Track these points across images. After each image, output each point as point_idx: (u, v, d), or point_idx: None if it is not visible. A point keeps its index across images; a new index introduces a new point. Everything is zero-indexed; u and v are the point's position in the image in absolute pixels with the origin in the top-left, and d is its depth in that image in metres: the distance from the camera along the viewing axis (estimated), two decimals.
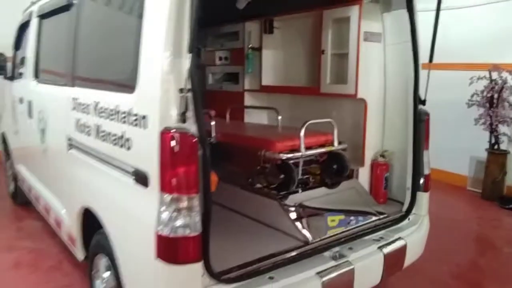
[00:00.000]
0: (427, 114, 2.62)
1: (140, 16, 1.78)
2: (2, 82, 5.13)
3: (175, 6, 1.59)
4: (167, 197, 1.63)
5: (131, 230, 1.86)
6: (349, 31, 2.69)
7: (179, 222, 1.62)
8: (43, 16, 3.22)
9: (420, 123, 2.58)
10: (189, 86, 1.59)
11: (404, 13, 2.60)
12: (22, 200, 4.55)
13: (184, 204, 1.62)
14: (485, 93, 5.09)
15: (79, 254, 2.63)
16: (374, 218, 2.52)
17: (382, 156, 2.83)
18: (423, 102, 2.62)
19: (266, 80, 3.41)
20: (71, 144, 2.48)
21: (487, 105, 5.09)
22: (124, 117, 1.85)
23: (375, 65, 2.76)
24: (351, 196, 2.65)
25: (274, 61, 3.45)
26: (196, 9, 1.52)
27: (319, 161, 2.72)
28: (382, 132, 2.87)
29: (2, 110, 4.81)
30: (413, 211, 2.65)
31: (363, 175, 2.85)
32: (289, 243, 2.18)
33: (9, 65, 4.32)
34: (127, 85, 1.84)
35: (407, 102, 2.65)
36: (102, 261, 2.32)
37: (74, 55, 2.44)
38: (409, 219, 2.64)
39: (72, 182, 2.52)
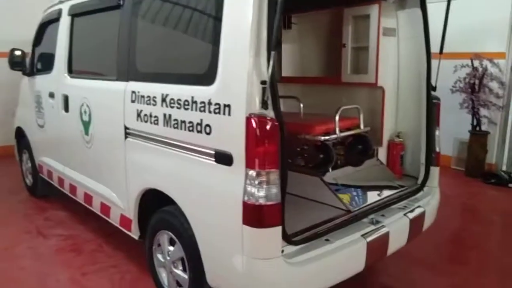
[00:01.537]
0: (438, 99, 3.02)
1: (218, 17, 2.06)
2: (16, 79, 5.26)
3: (257, 9, 1.90)
4: (253, 172, 1.94)
5: (212, 202, 2.15)
6: (369, 27, 3.05)
7: (263, 193, 1.94)
8: (79, 14, 3.41)
9: (433, 107, 2.97)
10: (269, 79, 1.91)
11: (416, 11, 2.99)
12: (42, 192, 4.73)
13: (267, 177, 1.94)
14: (467, 80, 5.60)
15: (135, 233, 2.90)
16: (397, 190, 2.91)
17: (398, 136, 3.22)
18: (434, 89, 3.01)
19: (286, 72, 3.74)
20: (129, 133, 2.73)
21: (469, 90, 5.61)
22: (203, 106, 2.14)
23: (390, 56, 3.13)
24: (375, 172, 3.04)
25: (292, 54, 3.79)
26: (280, 10, 1.81)
27: (344, 143, 3.08)
28: (396, 115, 3.26)
29: (16, 105, 4.94)
30: (427, 183, 3.05)
31: (381, 154, 3.24)
32: (334, 212, 2.54)
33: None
34: (205, 79, 2.13)
35: (420, 89, 3.04)
36: (164, 237, 2.61)
37: (132, 51, 2.68)
38: (423, 190, 3.04)
39: (130, 168, 2.77)
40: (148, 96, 2.51)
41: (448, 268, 3.26)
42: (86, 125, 3.22)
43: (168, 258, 2.60)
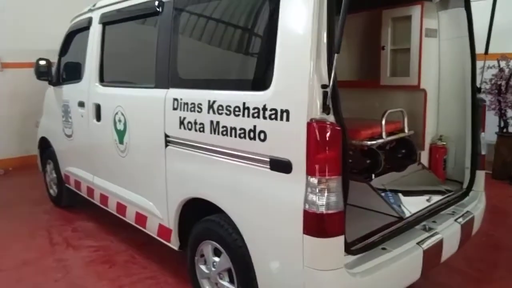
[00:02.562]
0: (484, 101, 2.93)
1: (273, 19, 2.00)
2: (36, 90, 5.24)
3: (317, 10, 1.83)
4: (314, 180, 1.86)
5: (267, 211, 2.07)
6: (411, 28, 2.98)
7: (325, 201, 1.86)
8: (111, 22, 3.36)
9: (479, 109, 2.89)
10: (330, 82, 1.83)
11: (459, 11, 2.92)
12: (67, 202, 4.68)
13: (329, 185, 1.86)
14: (493, 81, 5.51)
15: (175, 243, 2.82)
16: (445, 195, 2.82)
17: (440, 139, 3.13)
18: (479, 90, 2.93)
19: None
20: (170, 141, 2.66)
21: (496, 92, 5.51)
22: (256, 112, 2.06)
23: (432, 58, 3.05)
24: (420, 177, 2.95)
25: None
26: (345, 9, 1.74)
27: (385, 147, 3.00)
28: (437, 118, 3.17)
29: (40, 115, 4.90)
30: (473, 187, 2.96)
31: (423, 158, 3.15)
32: (386, 220, 2.45)
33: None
34: (258, 84, 2.07)
35: (463, 90, 2.95)
36: (208, 247, 2.53)
37: (173, 58, 2.62)
38: (469, 195, 2.95)
39: (171, 176, 2.70)
40: (193, 103, 2.44)
41: (492, 275, 3.16)
42: (121, 134, 3.16)
43: (213, 269, 2.52)
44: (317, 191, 1.86)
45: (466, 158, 2.98)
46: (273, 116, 1.99)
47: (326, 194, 1.86)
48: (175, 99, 2.58)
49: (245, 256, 2.25)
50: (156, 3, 2.76)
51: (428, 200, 2.70)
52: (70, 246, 3.81)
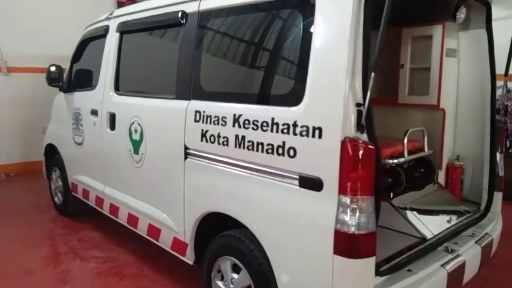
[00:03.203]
0: (502, 122, 2.93)
1: (306, 34, 2.00)
2: (45, 94, 5.20)
3: (354, 28, 1.82)
4: (347, 199, 1.83)
5: (294, 229, 2.04)
6: (431, 48, 2.99)
7: (357, 221, 1.83)
8: (130, 31, 3.34)
9: (498, 130, 2.89)
10: (366, 101, 1.82)
11: (479, 32, 2.94)
12: (72, 211, 4.61)
13: (362, 204, 1.83)
14: (499, 102, 5.54)
15: (191, 257, 2.77)
16: (464, 216, 2.80)
17: (457, 159, 3.12)
18: (498, 111, 2.93)
19: None
20: (190, 154, 2.63)
21: (502, 112, 5.54)
22: (286, 128, 2.04)
23: (451, 77, 3.06)
24: (439, 197, 2.93)
25: None
26: (383, 32, 1.74)
27: (403, 166, 2.98)
28: (454, 138, 3.17)
29: (48, 122, 4.86)
30: (490, 209, 2.95)
31: (440, 178, 3.13)
32: (409, 240, 2.43)
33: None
34: (288, 99, 2.05)
35: (482, 111, 2.96)
36: (227, 263, 2.49)
37: (196, 70, 2.60)
38: (486, 216, 2.94)
39: (189, 189, 2.67)
40: (216, 116, 2.42)
41: None
42: (136, 144, 3.12)
43: (231, 286, 2.47)
44: (349, 210, 1.84)
45: (483, 179, 2.98)
46: (304, 133, 1.97)
47: (358, 214, 1.84)
48: (197, 111, 2.55)
49: (266, 273, 2.21)
50: (180, 14, 2.75)
51: (448, 221, 2.68)
52: (77, 256, 3.73)
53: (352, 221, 1.83)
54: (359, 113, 1.84)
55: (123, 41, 3.44)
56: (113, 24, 3.56)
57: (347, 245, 1.84)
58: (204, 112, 2.51)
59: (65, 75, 4.30)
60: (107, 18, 3.68)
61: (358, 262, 1.85)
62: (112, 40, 3.53)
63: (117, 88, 3.46)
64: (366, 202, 1.84)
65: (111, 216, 3.67)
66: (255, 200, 2.23)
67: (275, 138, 2.10)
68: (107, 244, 4.00)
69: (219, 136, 2.41)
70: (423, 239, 2.44)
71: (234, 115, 2.31)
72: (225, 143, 2.38)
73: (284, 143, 2.06)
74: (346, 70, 1.82)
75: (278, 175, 2.10)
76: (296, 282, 2.07)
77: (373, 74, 1.78)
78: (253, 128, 2.21)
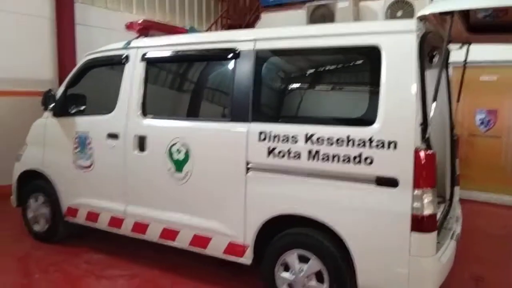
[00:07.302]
0: (457, 135, 4.02)
1: (376, 75, 2.72)
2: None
3: (416, 67, 2.61)
4: (419, 191, 2.59)
5: (372, 216, 2.71)
6: None
7: (427, 206, 2.59)
8: (158, 61, 3.71)
9: (456, 141, 3.96)
10: (425, 121, 2.61)
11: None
12: (61, 237, 4.51)
13: (429, 194, 2.60)
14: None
15: (249, 257, 3.22)
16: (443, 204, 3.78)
17: None
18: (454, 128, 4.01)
19: None
20: (253, 168, 3.12)
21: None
22: (362, 143, 2.72)
23: None
24: None
25: None
26: (441, 69, 2.55)
27: None
28: None
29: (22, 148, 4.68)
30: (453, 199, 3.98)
31: None
32: None
33: None
34: (362, 121, 2.74)
35: (443, 128, 4.00)
36: (293, 256, 3.03)
37: (256, 98, 3.14)
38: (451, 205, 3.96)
39: (252, 198, 3.14)
40: (285, 135, 2.97)
41: None
42: (179, 163, 3.45)
43: (300, 274, 3.01)
44: (421, 199, 2.59)
45: (446, 177, 4.01)
46: (380, 146, 2.67)
47: (426, 201, 2.60)
48: (261, 132, 3.07)
49: (336, 258, 2.85)
50: (231, 55, 3.26)
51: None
52: (100, 277, 3.78)
53: (423, 207, 2.58)
54: (422, 130, 2.63)
55: (149, 70, 3.74)
56: (134, 53, 3.81)
57: (420, 224, 2.59)
58: (270, 132, 3.04)
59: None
60: (125, 48, 3.90)
61: (428, 235, 2.61)
62: (136, 67, 3.77)
63: (144, 112, 3.72)
64: (431, 193, 2.62)
65: (133, 235, 3.83)
66: (332, 200, 2.84)
67: (352, 151, 2.76)
68: (119, 262, 4.07)
69: (289, 152, 2.97)
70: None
71: (306, 134, 2.91)
72: (296, 157, 2.95)
73: (360, 154, 2.74)
74: (416, 100, 2.59)
75: (355, 178, 2.76)
76: (376, 256, 2.73)
77: (435, 102, 2.58)
78: (328, 144, 2.84)
